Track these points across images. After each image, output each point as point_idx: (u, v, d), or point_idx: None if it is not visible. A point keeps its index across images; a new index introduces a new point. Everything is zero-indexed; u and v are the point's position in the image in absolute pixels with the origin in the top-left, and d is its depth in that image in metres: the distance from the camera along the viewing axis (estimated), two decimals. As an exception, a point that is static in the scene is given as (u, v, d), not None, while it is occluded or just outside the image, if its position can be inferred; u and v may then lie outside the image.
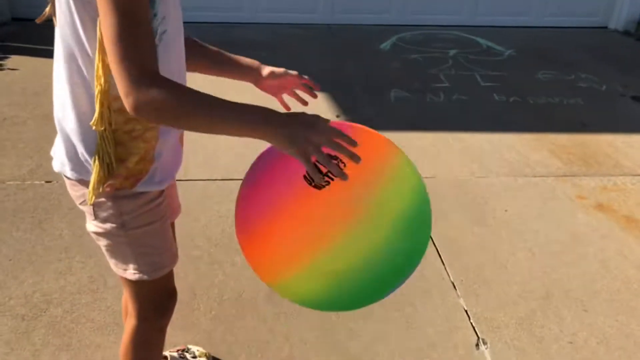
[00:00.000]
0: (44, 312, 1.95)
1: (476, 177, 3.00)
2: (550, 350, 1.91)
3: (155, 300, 1.31)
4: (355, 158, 0.96)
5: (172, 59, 1.09)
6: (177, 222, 2.40)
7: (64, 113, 1.08)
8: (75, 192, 1.16)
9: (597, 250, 2.43)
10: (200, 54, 1.34)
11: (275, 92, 1.42)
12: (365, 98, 3.98)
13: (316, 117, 0.98)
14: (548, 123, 3.70)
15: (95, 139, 1.06)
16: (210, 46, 1.37)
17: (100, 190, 1.08)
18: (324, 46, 5.14)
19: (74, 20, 0.98)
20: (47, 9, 1.07)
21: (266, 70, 1.40)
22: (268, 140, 0.97)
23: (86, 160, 1.09)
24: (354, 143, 0.98)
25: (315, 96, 1.42)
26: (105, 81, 1.00)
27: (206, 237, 2.36)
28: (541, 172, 3.07)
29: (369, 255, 1.18)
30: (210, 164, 2.92)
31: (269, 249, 1.17)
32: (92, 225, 1.18)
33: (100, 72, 0.99)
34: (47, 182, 2.68)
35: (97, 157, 1.06)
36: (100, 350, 1.81)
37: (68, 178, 1.15)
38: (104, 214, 1.14)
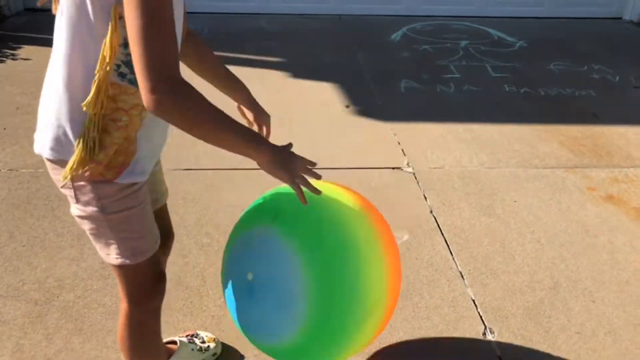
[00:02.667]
0: (57, 297, 1.98)
1: (485, 167, 2.99)
2: (558, 340, 1.91)
3: (143, 284, 1.33)
4: (316, 192, 1.19)
5: None
6: (187, 210, 2.43)
7: (55, 93, 1.10)
8: (56, 175, 1.18)
9: (606, 242, 2.43)
10: (204, 59, 1.41)
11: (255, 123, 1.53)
12: (375, 88, 3.97)
13: (293, 153, 1.19)
14: (559, 114, 3.67)
15: (82, 121, 1.08)
16: (213, 54, 1.43)
17: (79, 172, 1.10)
18: (335, 36, 5.13)
19: (85, 5, 1.00)
20: None
21: (248, 101, 1.49)
22: (260, 164, 1.11)
23: (69, 142, 1.11)
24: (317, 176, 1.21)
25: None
26: (110, 67, 1.03)
27: (215, 225, 2.38)
28: (551, 164, 3.06)
29: None
30: (219, 154, 2.93)
31: None
32: (74, 209, 1.20)
33: (107, 56, 1.01)
34: (59, 170, 2.72)
35: (81, 139, 1.08)
36: (111, 334, 1.84)
37: (48, 160, 1.17)
38: (84, 198, 1.16)
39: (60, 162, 1.14)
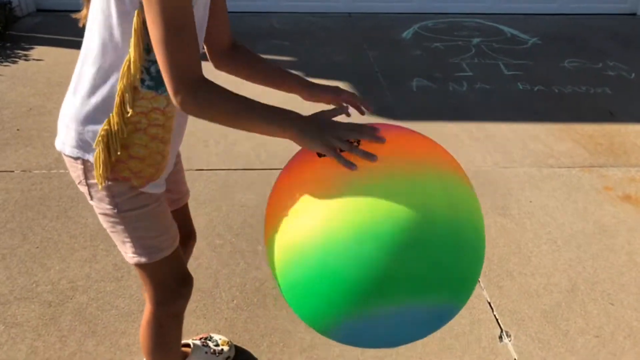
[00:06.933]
0: (70, 299, 1.98)
1: (500, 167, 2.95)
2: (576, 344, 1.88)
3: (167, 285, 1.32)
4: (380, 140, 1.02)
5: None
6: (199, 211, 2.42)
7: (78, 93, 1.12)
8: (74, 171, 1.19)
9: (624, 243, 2.38)
10: (258, 67, 1.43)
11: (328, 102, 1.39)
12: (386, 87, 3.94)
13: (331, 118, 1.08)
14: (574, 112, 3.62)
15: (102, 122, 1.10)
16: (266, 60, 1.43)
17: (107, 172, 1.12)
18: (345, 34, 5.10)
19: (109, 9, 1.02)
20: (84, 11, 1.12)
21: (314, 88, 1.40)
22: (295, 140, 1.04)
23: (89, 142, 1.12)
24: (375, 132, 1.03)
25: (363, 113, 1.35)
26: (133, 73, 1.05)
27: (228, 226, 2.37)
28: (566, 163, 3.01)
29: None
30: (231, 154, 2.93)
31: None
32: (94, 206, 1.22)
33: (132, 61, 1.04)
34: (72, 171, 2.72)
35: (101, 140, 1.10)
36: (125, 336, 1.84)
37: (67, 156, 1.17)
38: (98, 195, 1.18)
39: (81, 161, 1.15)
